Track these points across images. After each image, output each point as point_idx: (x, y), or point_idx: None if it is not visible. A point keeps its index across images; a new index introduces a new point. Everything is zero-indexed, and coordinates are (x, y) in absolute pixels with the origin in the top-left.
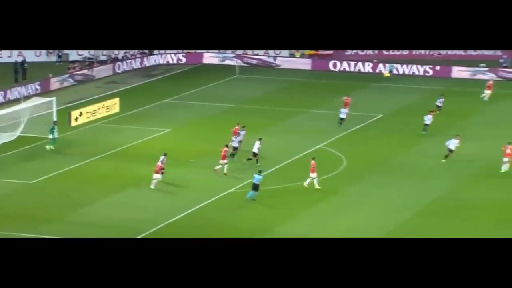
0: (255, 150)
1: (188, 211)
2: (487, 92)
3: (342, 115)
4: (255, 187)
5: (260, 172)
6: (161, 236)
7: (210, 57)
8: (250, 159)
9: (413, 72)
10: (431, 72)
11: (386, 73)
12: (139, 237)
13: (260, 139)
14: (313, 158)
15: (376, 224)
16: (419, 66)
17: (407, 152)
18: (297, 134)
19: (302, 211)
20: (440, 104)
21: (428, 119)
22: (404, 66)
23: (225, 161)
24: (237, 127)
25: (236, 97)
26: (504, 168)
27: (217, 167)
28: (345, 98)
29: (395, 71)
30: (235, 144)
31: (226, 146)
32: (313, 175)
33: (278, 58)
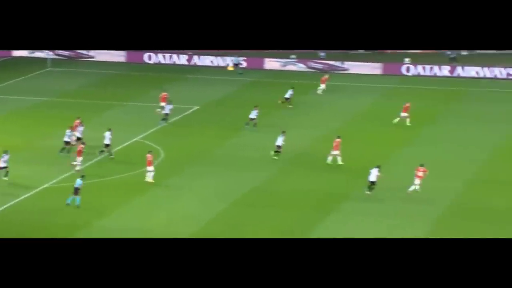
0: (107, 141)
1: (2, 208)
2: (322, 86)
3: (166, 111)
4: (76, 191)
5: (82, 177)
6: None
7: None
8: (103, 151)
9: (227, 64)
10: (244, 64)
11: (230, 67)
12: None
13: (110, 130)
14: (150, 152)
15: (195, 215)
16: (232, 58)
17: (224, 143)
18: (113, 127)
19: (121, 204)
20: (289, 96)
21: (254, 114)
22: (219, 58)
23: (81, 158)
24: (77, 121)
25: (49, 91)
26: (330, 159)
27: (78, 167)
28: (163, 94)
29: (221, 63)
30: (66, 139)
31: (83, 143)
32: (150, 168)
33: (92, 50)
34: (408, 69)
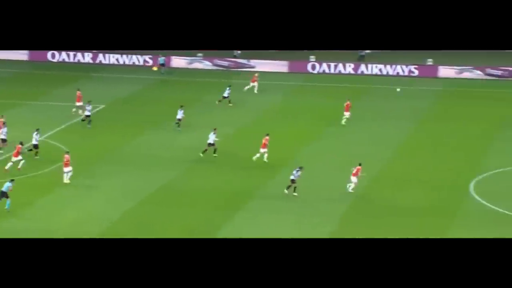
0: (34, 141)
1: None
2: (252, 84)
3: (87, 112)
4: (3, 194)
5: (12, 180)
6: None
7: None
8: (31, 150)
9: (133, 62)
10: (150, 62)
11: (155, 67)
12: None
13: (38, 129)
14: (67, 152)
15: (102, 214)
16: (139, 56)
17: (131, 142)
18: (17, 127)
19: (27, 205)
20: (227, 95)
21: (180, 114)
22: (125, 56)
23: (20, 157)
24: (1, 120)
25: None
26: (257, 156)
27: (7, 166)
28: (78, 93)
29: (127, 61)
30: None
31: (21, 143)
32: (67, 169)
33: None
34: (313, 67)
